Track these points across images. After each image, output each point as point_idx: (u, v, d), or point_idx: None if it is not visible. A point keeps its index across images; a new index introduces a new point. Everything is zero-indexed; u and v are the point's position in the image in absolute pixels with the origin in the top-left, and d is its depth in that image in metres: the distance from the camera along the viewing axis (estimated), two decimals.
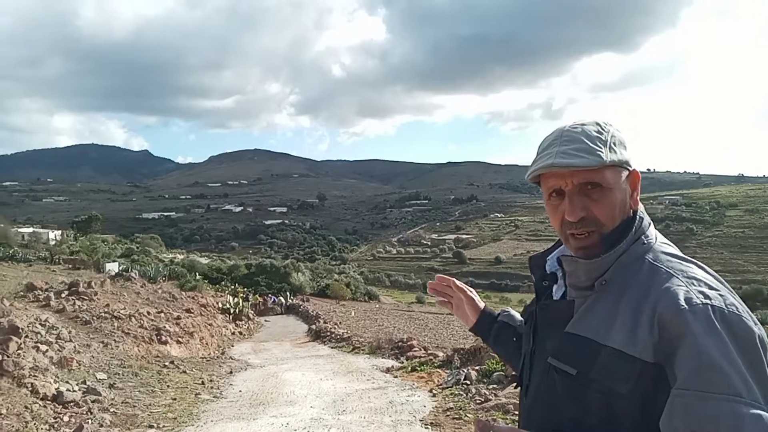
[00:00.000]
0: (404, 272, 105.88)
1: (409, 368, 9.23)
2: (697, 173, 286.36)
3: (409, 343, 12.16)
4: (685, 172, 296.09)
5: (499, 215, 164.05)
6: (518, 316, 1.60)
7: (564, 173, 1.12)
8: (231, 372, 10.00)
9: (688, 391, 0.95)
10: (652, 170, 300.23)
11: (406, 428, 5.39)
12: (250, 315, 25.51)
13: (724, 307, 1.00)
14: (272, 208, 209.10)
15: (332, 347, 15.34)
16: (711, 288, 1.04)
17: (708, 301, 1.00)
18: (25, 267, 24.47)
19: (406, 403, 6.52)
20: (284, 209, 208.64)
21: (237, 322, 22.30)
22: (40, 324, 9.12)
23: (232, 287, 32.94)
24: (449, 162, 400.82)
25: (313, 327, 20.96)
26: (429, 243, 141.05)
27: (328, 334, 18.08)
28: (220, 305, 22.75)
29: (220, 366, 10.66)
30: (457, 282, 1.64)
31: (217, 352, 14.68)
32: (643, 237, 1.16)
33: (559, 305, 1.22)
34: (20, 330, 7.28)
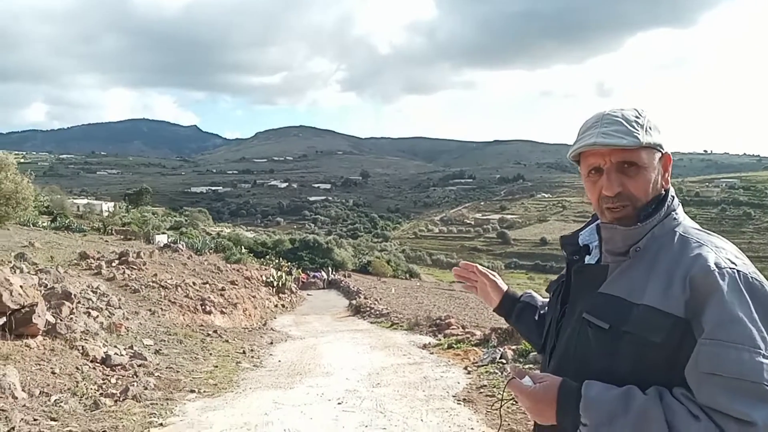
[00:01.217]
0: (446, 251, 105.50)
1: (446, 345, 9.25)
2: (758, 155, 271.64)
3: (447, 320, 12.18)
4: (744, 154, 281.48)
5: (546, 195, 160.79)
6: (539, 297, 1.74)
7: (603, 152, 1.25)
8: (271, 343, 10.26)
9: (715, 340, 1.08)
10: (709, 152, 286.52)
11: (439, 403, 5.42)
12: (293, 289, 25.98)
13: (748, 273, 1.15)
14: (316, 185, 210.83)
15: (371, 322, 15.52)
16: (736, 257, 1.19)
17: (734, 266, 1.15)
18: (79, 237, 25.55)
19: (440, 379, 6.56)
20: (328, 186, 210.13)
21: (280, 295, 22.76)
22: (91, 291, 9.55)
23: (276, 261, 33.57)
24: (495, 140, 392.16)
25: (354, 302, 21.23)
26: (472, 222, 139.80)
27: (368, 309, 18.29)
28: (264, 278, 23.23)
29: (261, 337, 10.95)
30: (480, 267, 1.79)
31: (259, 323, 15.04)
32: (673, 213, 1.29)
33: (593, 269, 1.32)
34: (73, 296, 7.65)
